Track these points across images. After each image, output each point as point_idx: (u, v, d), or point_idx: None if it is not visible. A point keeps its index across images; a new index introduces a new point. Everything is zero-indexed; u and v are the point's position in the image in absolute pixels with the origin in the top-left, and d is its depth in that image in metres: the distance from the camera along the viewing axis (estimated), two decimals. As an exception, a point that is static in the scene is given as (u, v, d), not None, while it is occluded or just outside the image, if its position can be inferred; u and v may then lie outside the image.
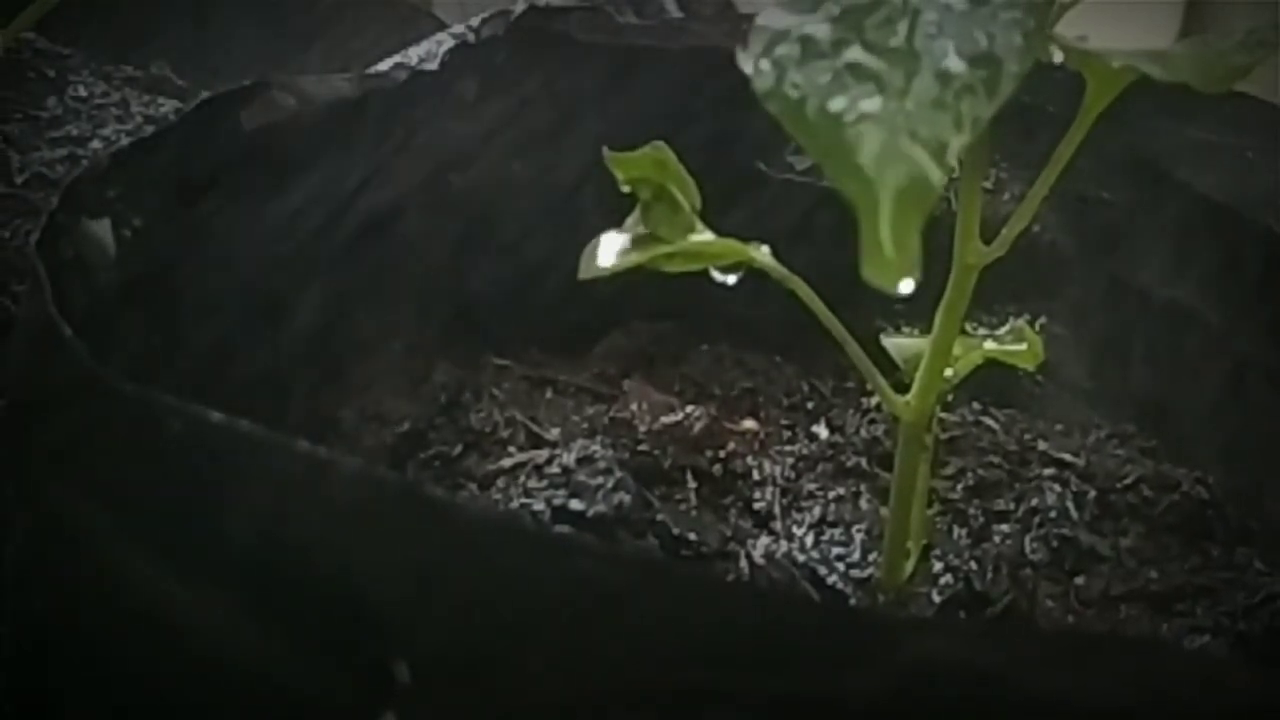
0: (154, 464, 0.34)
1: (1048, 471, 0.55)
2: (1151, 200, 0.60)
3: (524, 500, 0.48)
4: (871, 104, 0.32)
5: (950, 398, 0.57)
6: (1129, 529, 0.53)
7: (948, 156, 0.31)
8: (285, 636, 0.33)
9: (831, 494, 0.53)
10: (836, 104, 0.32)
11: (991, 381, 0.54)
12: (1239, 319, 0.58)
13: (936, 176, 0.31)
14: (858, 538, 0.50)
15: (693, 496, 0.52)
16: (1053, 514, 0.53)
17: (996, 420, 0.59)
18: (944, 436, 0.56)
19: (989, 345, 0.48)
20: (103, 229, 0.42)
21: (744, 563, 0.49)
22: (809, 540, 0.50)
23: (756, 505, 0.52)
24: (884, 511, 0.49)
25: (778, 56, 0.33)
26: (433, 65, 0.54)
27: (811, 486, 0.53)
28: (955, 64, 0.32)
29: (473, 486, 0.51)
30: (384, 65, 0.54)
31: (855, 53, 0.33)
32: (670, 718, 0.30)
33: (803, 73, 0.32)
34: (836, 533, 0.51)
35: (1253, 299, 0.57)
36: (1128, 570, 0.51)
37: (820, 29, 0.33)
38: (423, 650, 0.31)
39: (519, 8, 0.57)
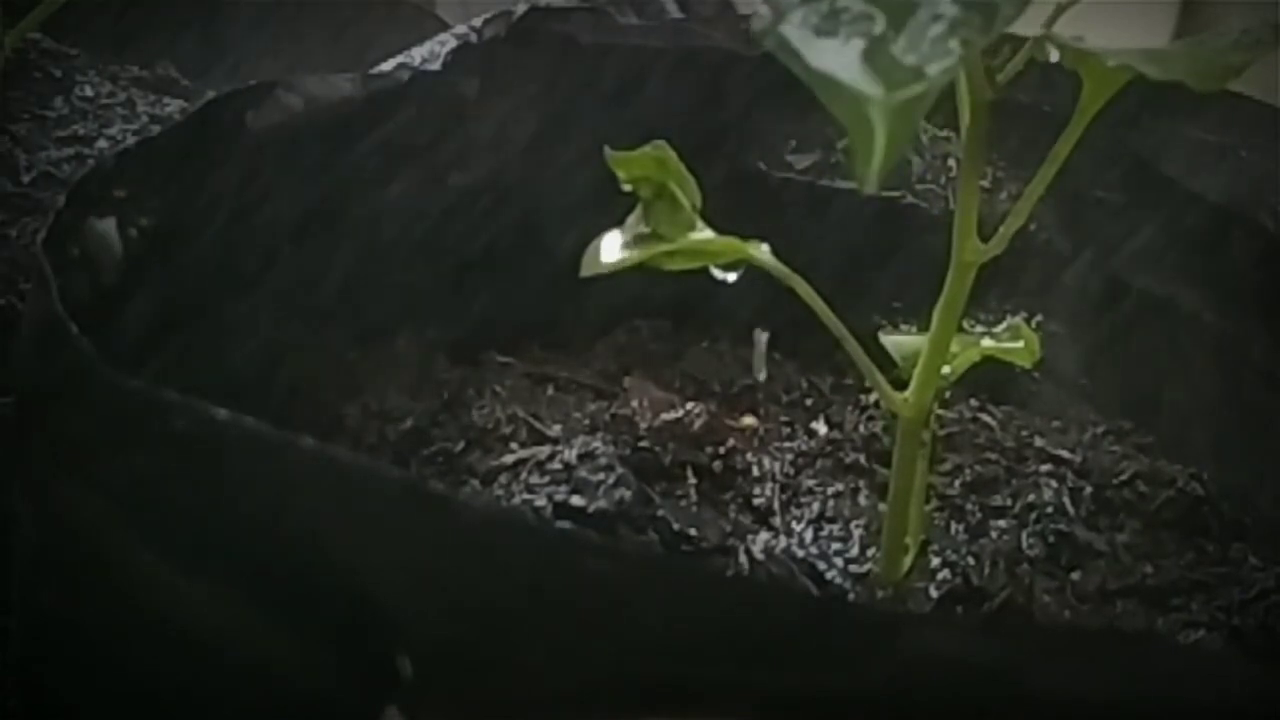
0: (159, 460, 0.34)
1: (1044, 468, 0.55)
2: (1147, 198, 0.60)
3: (526, 496, 0.49)
4: (866, 36, 0.32)
5: (948, 395, 0.57)
6: (1125, 525, 0.53)
7: (938, 78, 0.32)
8: (289, 631, 0.33)
9: (830, 490, 0.53)
10: (832, 39, 0.32)
11: (989, 378, 0.55)
12: (1234, 316, 0.58)
13: (926, 95, 0.31)
14: (856, 533, 0.50)
15: (693, 492, 0.52)
16: (1049, 510, 0.53)
17: (994, 417, 0.59)
18: (942, 433, 0.56)
19: (986, 343, 0.48)
20: (109, 228, 0.42)
21: (743, 558, 0.49)
22: (808, 536, 0.50)
23: (756, 501, 0.52)
24: (882, 507, 0.49)
25: (776, 1, 0.33)
26: (435, 65, 0.54)
27: (810, 482, 0.53)
28: (950, 8, 0.33)
29: (475, 482, 0.51)
30: (387, 65, 0.54)
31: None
32: (670, 711, 0.31)
33: (800, 13, 0.33)
34: (835, 528, 0.51)
35: (1247, 296, 0.58)
36: (1123, 565, 0.51)
37: None
38: (425, 645, 0.32)
39: (520, 8, 0.57)
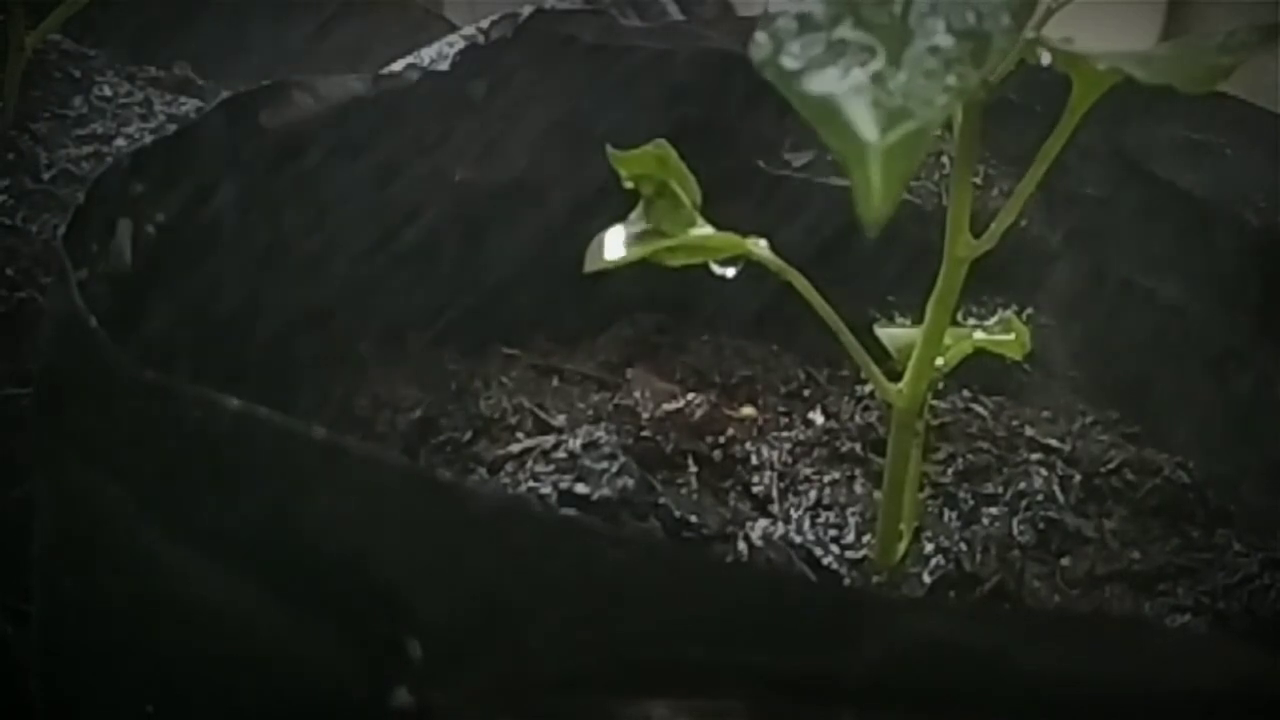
0: (176, 450, 0.35)
1: (1035, 456, 0.56)
2: (1134, 195, 0.61)
3: (531, 484, 0.49)
4: (863, 71, 0.32)
5: (941, 386, 0.57)
6: (1113, 512, 0.54)
7: (934, 118, 0.32)
8: (302, 616, 0.34)
9: (827, 478, 0.53)
10: (830, 71, 0.32)
11: (981, 370, 0.55)
12: (1218, 309, 0.59)
13: (922, 136, 0.31)
14: (852, 520, 0.51)
15: (693, 480, 0.52)
16: (1039, 497, 0.53)
17: (985, 407, 0.59)
18: (935, 423, 0.56)
19: (978, 335, 0.48)
20: (122, 230, 0.43)
21: (742, 544, 0.49)
22: (805, 523, 0.51)
23: (755, 489, 0.53)
24: (877, 495, 0.50)
25: (774, 30, 0.33)
26: (443, 66, 0.55)
27: (808, 471, 0.54)
28: (945, 40, 0.33)
29: (482, 471, 0.51)
30: (397, 66, 0.54)
31: (849, 29, 0.33)
32: (670, 694, 0.31)
33: (798, 43, 0.33)
34: (831, 515, 0.51)
35: (1231, 290, 0.58)
36: (1111, 551, 0.52)
37: (816, 7, 0.34)
38: (434, 628, 0.32)
39: (526, 11, 0.57)
